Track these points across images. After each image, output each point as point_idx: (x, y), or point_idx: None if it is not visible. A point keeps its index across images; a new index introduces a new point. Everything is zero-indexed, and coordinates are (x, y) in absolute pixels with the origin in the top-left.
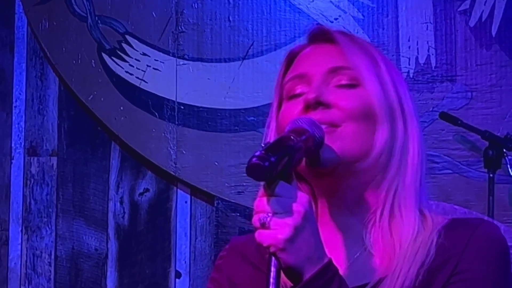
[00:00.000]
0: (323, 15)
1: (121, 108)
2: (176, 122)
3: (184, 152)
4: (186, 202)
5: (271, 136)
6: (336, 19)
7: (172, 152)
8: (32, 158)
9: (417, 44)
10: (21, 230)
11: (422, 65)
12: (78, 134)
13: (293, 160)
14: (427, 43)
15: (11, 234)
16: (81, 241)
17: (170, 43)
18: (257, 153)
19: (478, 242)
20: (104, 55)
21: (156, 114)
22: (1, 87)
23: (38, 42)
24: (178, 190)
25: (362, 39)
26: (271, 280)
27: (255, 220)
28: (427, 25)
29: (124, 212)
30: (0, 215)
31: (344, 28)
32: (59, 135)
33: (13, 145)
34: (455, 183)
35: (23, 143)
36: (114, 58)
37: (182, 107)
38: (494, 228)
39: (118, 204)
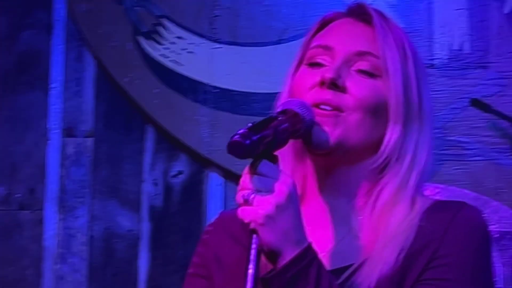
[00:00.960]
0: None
1: (156, 90)
2: (210, 105)
3: (217, 135)
4: (219, 185)
5: (283, 97)
6: (370, 4)
7: (205, 135)
8: (68, 139)
9: (450, 31)
10: (57, 210)
11: (455, 51)
12: (113, 116)
13: (277, 141)
14: (461, 29)
15: (47, 214)
16: (115, 221)
17: (205, 27)
18: (240, 131)
19: (459, 227)
20: (140, 38)
21: (190, 97)
22: (39, 68)
23: (76, 24)
24: (211, 173)
25: (398, 27)
26: (251, 257)
27: (239, 197)
28: (461, 12)
29: (157, 194)
30: (36, 194)
31: None
32: (95, 117)
33: (50, 126)
34: (486, 170)
35: (60, 124)
36: (150, 41)
37: (216, 91)
38: (476, 213)
39: (152, 185)
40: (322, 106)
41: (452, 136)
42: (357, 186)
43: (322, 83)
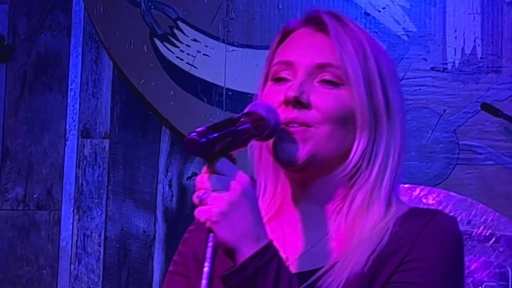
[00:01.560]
0: (371, 3)
1: (171, 92)
2: (224, 108)
3: None
4: None
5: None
6: (384, 8)
7: None
8: (85, 140)
9: (463, 35)
10: (73, 210)
11: (467, 55)
12: (130, 118)
13: (236, 141)
14: (474, 33)
15: (63, 214)
16: (130, 222)
17: (220, 30)
18: (198, 129)
19: (431, 232)
20: (156, 40)
21: (205, 99)
22: (58, 70)
23: (93, 26)
24: None
25: (357, 29)
26: (207, 255)
27: (194, 198)
28: (474, 16)
29: (172, 195)
30: (54, 195)
31: (392, 17)
32: (112, 118)
33: (67, 127)
34: (497, 175)
35: (77, 125)
36: (166, 44)
37: (230, 93)
38: (450, 220)
39: (167, 187)
40: (290, 125)
41: (464, 140)
42: (332, 192)
43: (287, 102)
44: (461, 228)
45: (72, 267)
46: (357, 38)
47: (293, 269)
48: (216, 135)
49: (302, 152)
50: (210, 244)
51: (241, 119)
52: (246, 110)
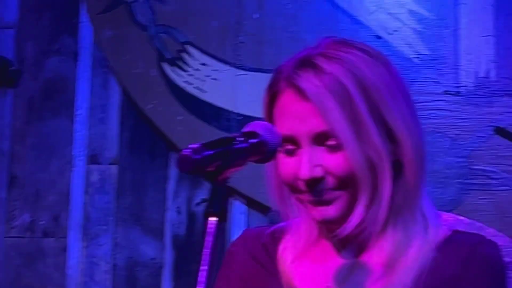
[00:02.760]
0: (382, 26)
1: (180, 117)
2: (234, 133)
3: None
4: (242, 213)
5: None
6: (395, 31)
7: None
8: (92, 166)
9: (476, 58)
10: (80, 238)
11: (481, 79)
12: (138, 143)
13: (232, 161)
14: (487, 56)
15: (70, 242)
16: (138, 250)
17: (230, 53)
18: (193, 145)
19: (478, 267)
20: (164, 64)
21: (214, 124)
22: (65, 95)
23: (101, 51)
24: (235, 201)
25: (331, 71)
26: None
27: None
28: (488, 38)
29: (181, 222)
30: (60, 222)
31: (403, 39)
32: (120, 144)
33: (75, 153)
34: None
35: (85, 151)
36: (174, 68)
37: (240, 118)
38: (494, 248)
39: (175, 213)
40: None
41: (478, 165)
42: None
43: (306, 185)
44: None
45: None
46: (335, 87)
47: None
48: (211, 152)
49: (333, 213)
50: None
51: (239, 138)
52: (244, 130)
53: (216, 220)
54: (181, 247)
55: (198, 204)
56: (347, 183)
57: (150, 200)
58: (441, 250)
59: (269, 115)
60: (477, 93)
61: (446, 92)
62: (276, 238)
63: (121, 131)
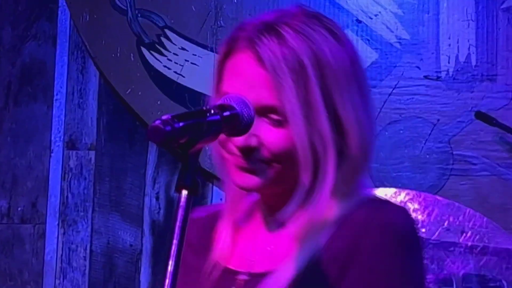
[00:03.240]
0: (362, 11)
1: (158, 102)
2: None
3: None
4: (221, 199)
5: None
6: (376, 15)
7: (207, 148)
8: (71, 151)
9: (457, 42)
10: (58, 224)
11: (462, 63)
12: (116, 129)
13: (204, 134)
14: (468, 41)
15: (48, 228)
16: (116, 236)
17: (209, 38)
18: (164, 117)
19: (375, 233)
20: (143, 49)
21: (193, 109)
22: (43, 80)
23: (79, 35)
24: (214, 186)
25: (294, 45)
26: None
27: None
28: (469, 23)
29: (159, 208)
30: (38, 208)
31: (384, 24)
32: (98, 129)
33: (52, 138)
34: (493, 186)
35: (62, 137)
36: (153, 52)
37: None
38: (396, 214)
39: (154, 199)
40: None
41: (458, 150)
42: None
43: (238, 150)
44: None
45: (57, 282)
46: (296, 56)
47: (248, 269)
48: (182, 124)
49: (255, 183)
50: (175, 241)
51: (212, 111)
52: (218, 103)
53: (187, 193)
54: (159, 233)
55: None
56: (280, 160)
57: (129, 186)
58: (344, 223)
59: (220, 68)
60: (457, 78)
61: (426, 77)
62: (216, 218)
63: (99, 116)
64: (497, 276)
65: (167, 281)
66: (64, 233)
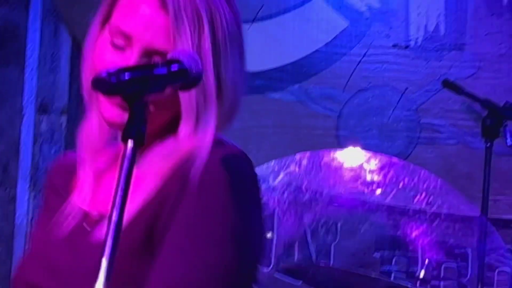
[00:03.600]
0: None
1: None
2: None
3: None
4: None
5: (86, 59)
6: None
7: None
8: (42, 116)
9: (426, 11)
10: (29, 188)
11: (431, 32)
12: None
13: (150, 86)
14: (437, 10)
15: (19, 191)
16: None
17: None
18: (111, 70)
19: (199, 180)
20: None
21: None
22: (15, 44)
23: (53, 0)
24: None
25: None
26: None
27: None
28: None
29: None
30: (9, 172)
31: None
32: (70, 94)
33: (24, 102)
34: (460, 154)
35: (34, 101)
36: None
37: None
38: (229, 159)
39: None
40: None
41: (426, 118)
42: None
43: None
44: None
45: (27, 245)
46: (196, 9)
47: (100, 209)
48: (128, 77)
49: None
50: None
51: (159, 65)
52: (168, 56)
53: (132, 144)
54: None
55: None
56: (160, 106)
57: None
58: (185, 169)
59: (112, 4)
60: (426, 46)
61: (395, 46)
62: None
63: (71, 81)
64: (463, 243)
65: (110, 231)
66: (35, 197)
